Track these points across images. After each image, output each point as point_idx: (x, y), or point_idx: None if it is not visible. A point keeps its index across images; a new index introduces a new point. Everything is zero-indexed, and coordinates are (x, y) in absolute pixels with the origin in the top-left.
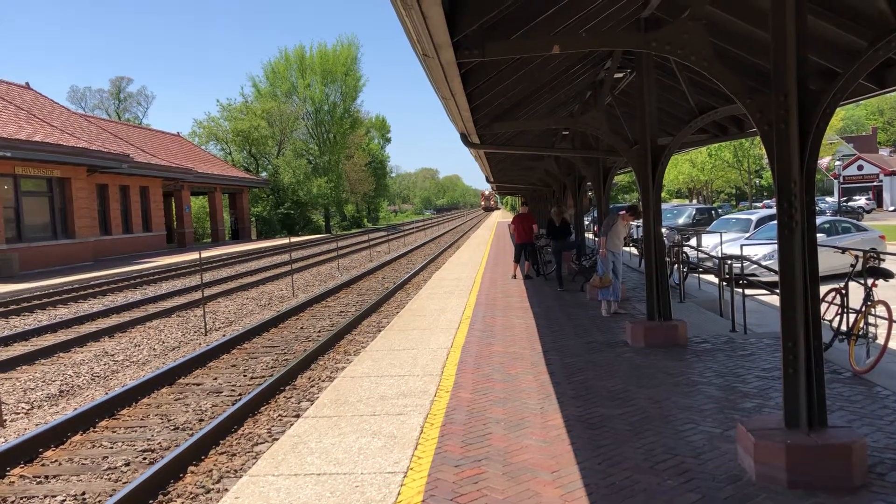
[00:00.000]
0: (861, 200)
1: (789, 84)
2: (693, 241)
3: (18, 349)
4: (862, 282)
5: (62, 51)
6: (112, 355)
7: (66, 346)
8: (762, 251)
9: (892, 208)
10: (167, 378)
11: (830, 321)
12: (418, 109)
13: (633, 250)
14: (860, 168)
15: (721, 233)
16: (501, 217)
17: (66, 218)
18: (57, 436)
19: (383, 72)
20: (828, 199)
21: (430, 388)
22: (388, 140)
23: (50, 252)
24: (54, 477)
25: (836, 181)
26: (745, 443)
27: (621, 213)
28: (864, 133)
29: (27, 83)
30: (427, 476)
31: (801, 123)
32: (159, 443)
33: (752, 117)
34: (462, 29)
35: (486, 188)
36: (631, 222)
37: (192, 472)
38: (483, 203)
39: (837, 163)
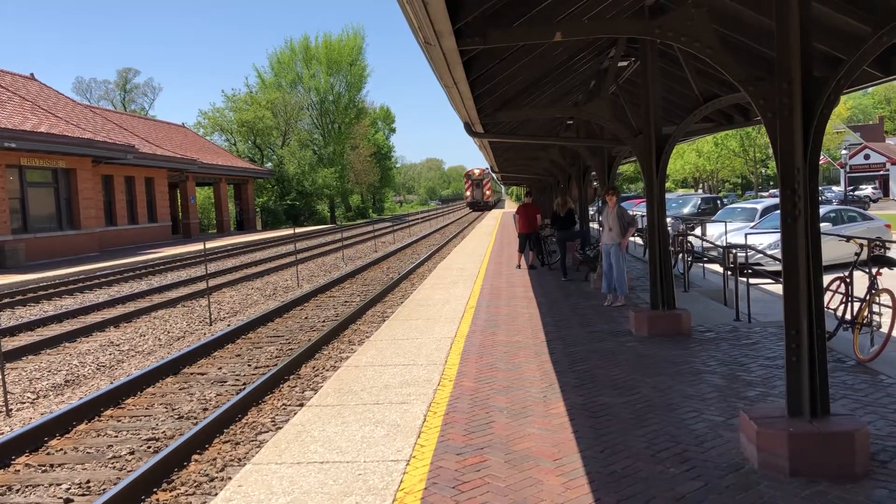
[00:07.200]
0: (867, 190)
1: (793, 71)
2: (698, 231)
3: (24, 339)
4: (866, 270)
5: (68, 42)
6: (117, 345)
7: (71, 336)
8: (767, 240)
9: None
10: (172, 368)
11: (835, 310)
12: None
13: (639, 240)
14: (867, 157)
15: (726, 222)
16: (508, 208)
17: (72, 209)
18: (62, 425)
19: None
20: (834, 188)
21: (434, 377)
22: (393, 130)
23: (56, 243)
24: (59, 465)
25: (842, 170)
26: (747, 431)
27: (608, 196)
28: (870, 122)
29: (31, 74)
30: (429, 464)
31: (804, 111)
32: (164, 432)
33: (756, 105)
34: (463, 16)
35: (480, 166)
36: (625, 206)
37: (196, 461)
38: (469, 192)
39: (844, 152)
